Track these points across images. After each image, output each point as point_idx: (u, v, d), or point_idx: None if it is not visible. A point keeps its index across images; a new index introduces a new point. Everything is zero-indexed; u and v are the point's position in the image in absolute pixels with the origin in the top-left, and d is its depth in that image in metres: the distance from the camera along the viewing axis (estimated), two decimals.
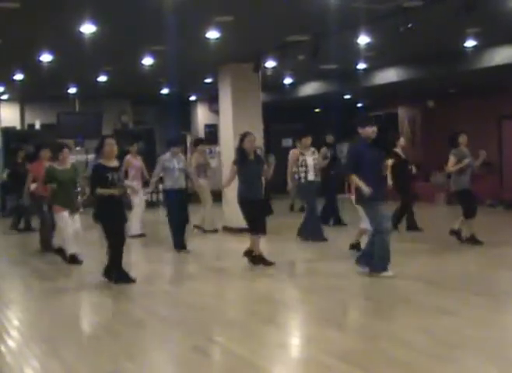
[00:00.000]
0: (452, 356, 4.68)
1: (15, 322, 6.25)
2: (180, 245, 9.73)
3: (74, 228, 8.78)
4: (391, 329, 5.45)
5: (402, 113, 19.77)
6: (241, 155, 8.27)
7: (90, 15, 8.11)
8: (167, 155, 9.93)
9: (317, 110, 20.54)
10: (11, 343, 5.46)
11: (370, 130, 7.31)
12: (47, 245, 9.96)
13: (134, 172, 11.54)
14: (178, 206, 9.67)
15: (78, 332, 5.84)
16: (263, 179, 8.41)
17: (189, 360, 4.83)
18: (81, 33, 8.79)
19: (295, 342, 5.33)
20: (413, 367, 4.48)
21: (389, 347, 4.94)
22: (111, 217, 7.37)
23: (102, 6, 7.73)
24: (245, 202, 8.22)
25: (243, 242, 8.88)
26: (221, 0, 7.72)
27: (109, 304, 6.92)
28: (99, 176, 7.39)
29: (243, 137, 8.31)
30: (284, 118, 19.05)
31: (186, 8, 7.78)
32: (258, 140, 11.96)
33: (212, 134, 18.88)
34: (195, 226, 11.61)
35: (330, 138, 12.15)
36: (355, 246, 8.80)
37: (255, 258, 8.32)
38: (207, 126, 19.63)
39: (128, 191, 8.77)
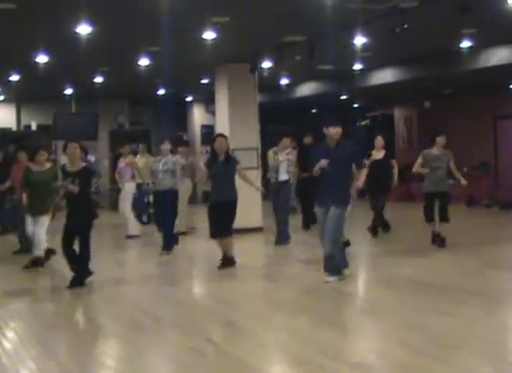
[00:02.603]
0: (449, 356, 4.69)
1: (11, 324, 6.23)
2: (167, 247, 9.68)
3: (36, 231, 8.64)
4: (388, 330, 5.45)
5: (398, 114, 19.80)
6: (211, 156, 8.38)
7: (86, 16, 8.10)
8: (157, 157, 9.95)
9: (313, 111, 20.56)
10: (7, 344, 5.45)
11: (333, 131, 7.19)
12: (24, 246, 9.92)
13: (120, 173, 11.59)
14: (161, 207, 9.66)
15: (74, 334, 5.83)
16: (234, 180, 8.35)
17: (185, 360, 4.83)
18: (77, 33, 8.78)
19: (291, 342, 5.32)
20: (410, 368, 4.48)
21: (385, 348, 4.94)
22: (66, 219, 7.51)
23: (98, 7, 7.72)
24: (210, 203, 8.34)
25: (238, 243, 8.90)
26: (217, 1, 7.72)
27: (105, 305, 6.91)
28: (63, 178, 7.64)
29: (214, 138, 8.48)
30: (281, 119, 19.05)
31: (182, 9, 7.78)
32: (255, 140, 12.05)
33: (209, 135, 18.86)
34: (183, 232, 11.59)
35: (308, 139, 12.05)
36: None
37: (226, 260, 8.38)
38: (203, 127, 19.62)
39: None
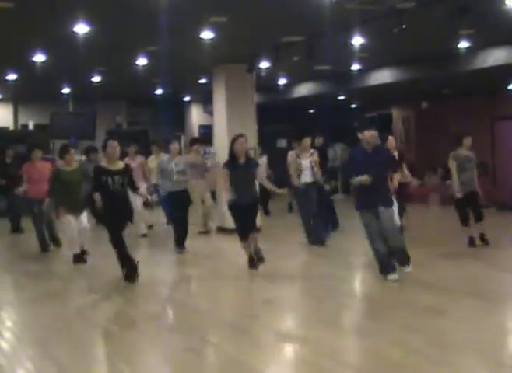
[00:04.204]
0: (447, 358, 4.68)
1: (9, 324, 6.22)
2: (180, 245, 9.75)
3: (80, 227, 8.79)
4: (387, 331, 5.44)
5: (396, 114, 19.82)
6: (230, 158, 8.15)
7: (84, 16, 8.10)
8: (166, 156, 9.90)
9: (311, 111, 20.57)
10: (4, 344, 5.43)
11: (368, 135, 7.15)
12: (44, 245, 9.97)
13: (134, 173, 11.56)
14: (179, 207, 9.67)
15: (72, 334, 5.81)
16: (256, 182, 8.28)
17: (183, 361, 4.82)
18: (74, 33, 8.78)
19: (290, 343, 5.32)
20: (409, 369, 4.48)
21: (384, 348, 4.94)
22: (113, 218, 7.46)
23: (95, 6, 7.71)
24: (232, 206, 8.18)
25: (236, 244, 8.87)
26: (215, 0, 7.72)
27: (103, 305, 6.89)
28: (97, 178, 7.49)
29: (234, 139, 8.14)
30: (278, 119, 19.07)
31: (180, 9, 7.78)
32: (252, 141, 12.04)
33: (207, 135, 18.87)
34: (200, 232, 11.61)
35: (319, 141, 11.96)
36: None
37: (253, 260, 8.25)
38: (201, 127, 19.62)
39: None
